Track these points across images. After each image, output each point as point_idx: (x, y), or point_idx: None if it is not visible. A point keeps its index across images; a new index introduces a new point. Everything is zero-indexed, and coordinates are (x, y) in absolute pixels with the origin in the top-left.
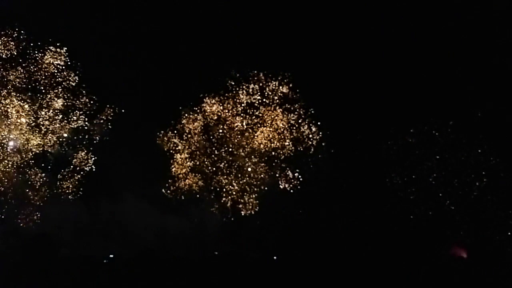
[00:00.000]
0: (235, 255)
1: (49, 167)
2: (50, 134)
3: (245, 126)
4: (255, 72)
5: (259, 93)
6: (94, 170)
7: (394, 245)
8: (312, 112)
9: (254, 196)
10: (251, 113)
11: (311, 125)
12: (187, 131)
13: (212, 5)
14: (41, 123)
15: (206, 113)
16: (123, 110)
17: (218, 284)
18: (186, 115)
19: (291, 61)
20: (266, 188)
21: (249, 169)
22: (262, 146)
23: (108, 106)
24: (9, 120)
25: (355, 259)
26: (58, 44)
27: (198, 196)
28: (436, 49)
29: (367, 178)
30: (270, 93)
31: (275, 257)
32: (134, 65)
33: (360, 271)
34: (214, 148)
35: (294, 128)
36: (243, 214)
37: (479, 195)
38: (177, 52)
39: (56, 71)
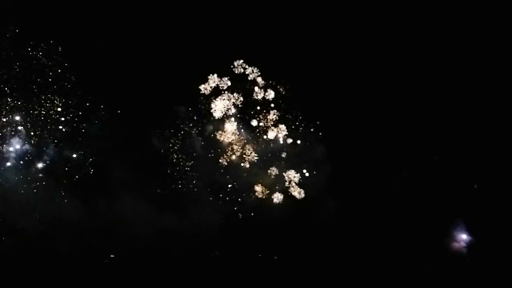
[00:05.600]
0: (235, 255)
1: (47, 167)
2: (46, 134)
3: (242, 128)
4: (253, 71)
5: (257, 93)
6: (92, 170)
7: (394, 245)
8: (311, 112)
9: (253, 195)
10: (249, 113)
11: (310, 124)
12: (183, 131)
13: (209, 5)
14: (38, 123)
15: (203, 113)
16: (119, 111)
17: (218, 284)
18: (183, 114)
19: (290, 61)
20: (266, 188)
21: (248, 169)
22: (261, 146)
23: (103, 106)
24: (5, 120)
25: (356, 259)
26: (52, 42)
27: (197, 196)
28: (434, 49)
29: (366, 177)
30: (268, 93)
31: (275, 257)
32: (130, 65)
33: (360, 271)
34: (211, 149)
35: (293, 128)
36: (242, 214)
37: (478, 194)
38: (173, 52)
39: (52, 70)
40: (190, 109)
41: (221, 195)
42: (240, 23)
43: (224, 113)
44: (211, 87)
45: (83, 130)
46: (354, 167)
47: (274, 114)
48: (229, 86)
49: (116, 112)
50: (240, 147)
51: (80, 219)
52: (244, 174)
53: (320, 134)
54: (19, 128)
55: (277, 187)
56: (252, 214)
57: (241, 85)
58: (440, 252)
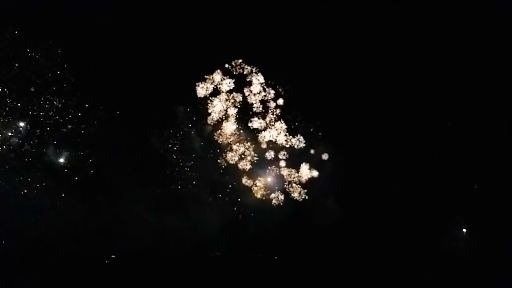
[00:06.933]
0: (235, 255)
1: (47, 168)
2: (46, 135)
3: (241, 128)
4: (252, 71)
5: (256, 93)
6: (92, 171)
7: (394, 245)
8: (311, 112)
9: (253, 195)
10: (249, 113)
11: (310, 124)
12: (182, 132)
13: (208, 6)
14: (37, 124)
15: (202, 113)
16: (118, 112)
17: (218, 284)
18: (182, 115)
19: (290, 60)
20: (266, 188)
21: (248, 169)
22: (260, 146)
23: (102, 107)
24: (4, 121)
25: (355, 259)
26: (51, 43)
27: (197, 196)
28: (434, 50)
29: (366, 178)
30: (267, 92)
31: (275, 257)
32: (129, 65)
33: (360, 270)
34: (211, 149)
35: (293, 128)
36: (242, 214)
37: (478, 194)
38: (172, 52)
39: (51, 71)
40: (189, 109)
41: (221, 195)
42: (239, 23)
43: (223, 113)
44: (210, 87)
45: (83, 131)
46: (354, 167)
47: (273, 114)
48: (228, 86)
49: (115, 112)
50: (240, 147)
51: (81, 220)
52: (244, 174)
53: (320, 134)
54: (19, 129)
55: (277, 187)
56: (252, 214)
57: (241, 84)
58: (440, 252)
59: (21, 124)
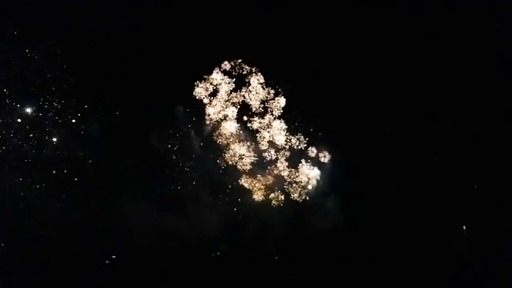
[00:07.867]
0: (235, 255)
1: (46, 169)
2: (46, 135)
3: (241, 128)
4: (251, 71)
5: (256, 93)
6: (92, 172)
7: (394, 245)
8: (311, 112)
9: (253, 196)
10: (248, 113)
11: (310, 124)
12: (182, 132)
13: (208, 5)
14: (36, 124)
15: (202, 113)
16: (117, 113)
17: (218, 284)
18: (182, 115)
19: (290, 60)
20: (266, 188)
21: (247, 169)
22: (260, 146)
23: (101, 107)
24: (4, 121)
25: (355, 259)
26: (51, 43)
27: (197, 196)
28: (434, 50)
29: (366, 178)
30: (268, 93)
31: (275, 257)
32: (129, 65)
33: (360, 271)
34: (211, 149)
35: (293, 128)
36: (243, 214)
37: (478, 194)
38: (171, 53)
39: (50, 71)
40: (189, 109)
41: (221, 195)
42: (238, 23)
43: (223, 113)
44: (209, 87)
45: (82, 131)
46: (354, 167)
47: (273, 114)
48: (228, 86)
49: (115, 112)
50: (239, 147)
51: (81, 220)
52: (244, 174)
53: (320, 134)
54: (19, 129)
55: (277, 187)
56: (252, 214)
57: (240, 84)
58: (440, 251)
59: (21, 124)
